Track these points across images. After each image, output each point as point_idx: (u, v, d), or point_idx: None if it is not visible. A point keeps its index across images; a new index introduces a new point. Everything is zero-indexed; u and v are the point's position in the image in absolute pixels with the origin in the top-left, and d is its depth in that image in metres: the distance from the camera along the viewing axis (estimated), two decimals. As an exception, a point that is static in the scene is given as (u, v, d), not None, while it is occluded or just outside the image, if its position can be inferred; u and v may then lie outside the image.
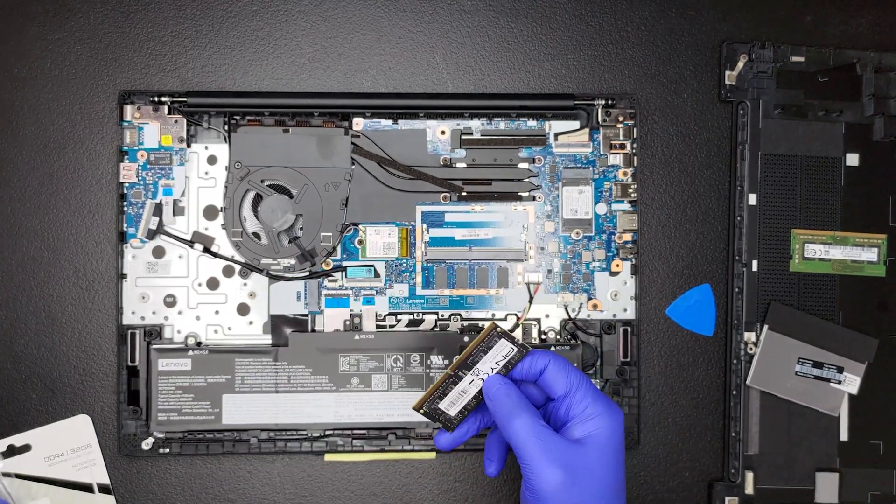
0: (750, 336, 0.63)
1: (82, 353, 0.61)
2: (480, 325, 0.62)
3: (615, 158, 0.63)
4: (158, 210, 0.60)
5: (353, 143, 0.61)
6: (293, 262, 0.61)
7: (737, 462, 0.62)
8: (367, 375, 0.61)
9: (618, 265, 0.62)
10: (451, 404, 0.53)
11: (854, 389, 0.63)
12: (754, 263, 0.63)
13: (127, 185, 0.60)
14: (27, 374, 0.61)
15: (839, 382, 0.63)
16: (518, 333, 0.62)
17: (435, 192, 0.62)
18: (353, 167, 0.61)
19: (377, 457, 0.62)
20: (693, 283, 0.64)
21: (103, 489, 0.61)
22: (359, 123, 0.61)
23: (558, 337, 0.62)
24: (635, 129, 0.63)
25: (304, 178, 0.60)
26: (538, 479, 0.48)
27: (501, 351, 0.52)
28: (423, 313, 0.62)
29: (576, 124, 0.63)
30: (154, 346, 0.60)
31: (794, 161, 0.63)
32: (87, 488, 0.60)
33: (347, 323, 0.61)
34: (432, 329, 0.62)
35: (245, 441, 0.60)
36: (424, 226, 0.62)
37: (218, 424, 0.60)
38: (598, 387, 0.62)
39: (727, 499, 0.62)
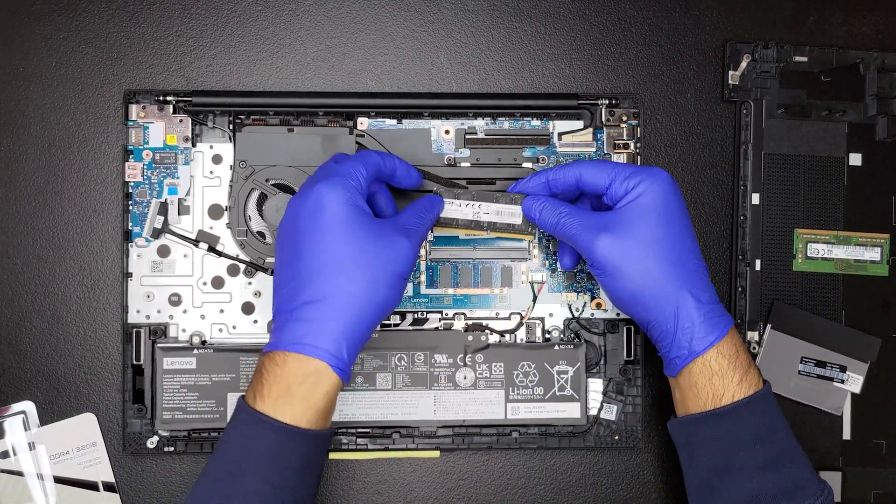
0: (753, 335, 0.63)
1: (87, 351, 0.61)
2: (484, 325, 0.62)
3: (619, 158, 0.62)
4: (163, 209, 0.60)
5: (357, 143, 0.61)
6: (298, 261, 0.60)
7: (740, 461, 0.62)
8: (372, 374, 0.61)
9: (621, 264, 0.62)
10: (513, 215, 0.57)
11: (857, 388, 0.63)
12: (757, 263, 0.63)
13: (132, 184, 0.60)
14: (32, 372, 0.61)
15: (842, 381, 0.63)
16: (522, 332, 0.62)
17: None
18: (358, 166, 0.61)
19: (381, 455, 0.62)
20: (696, 283, 0.63)
21: (108, 487, 0.61)
22: (363, 123, 0.61)
23: (562, 336, 0.62)
24: (639, 129, 0.62)
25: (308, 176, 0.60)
26: (591, 252, 0.52)
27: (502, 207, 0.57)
28: (428, 312, 0.62)
29: (579, 124, 0.62)
30: (159, 345, 0.60)
31: (797, 161, 0.63)
32: (92, 486, 0.60)
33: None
34: (436, 328, 0.62)
35: (250, 439, 0.60)
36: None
37: (222, 423, 0.60)
38: (602, 384, 0.62)
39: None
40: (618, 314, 0.63)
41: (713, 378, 0.51)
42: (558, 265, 0.61)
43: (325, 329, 0.49)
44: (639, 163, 0.63)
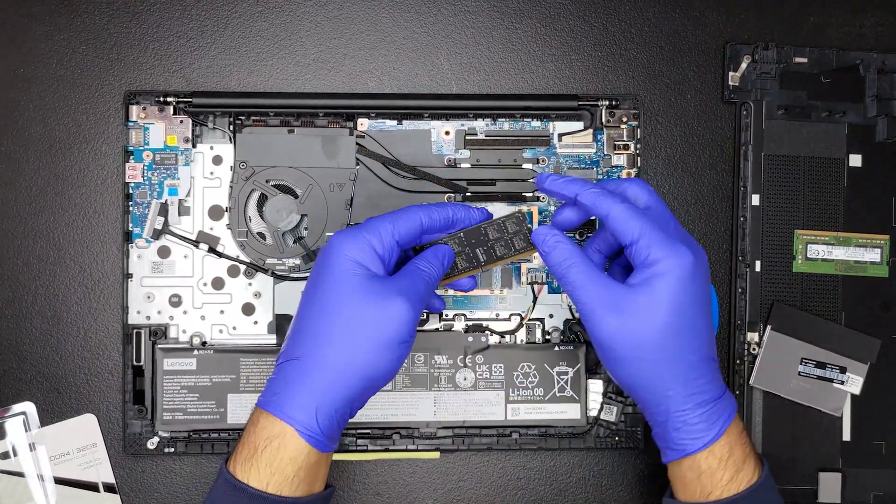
0: (753, 336, 0.62)
1: (88, 352, 0.61)
2: (484, 326, 0.62)
3: (619, 159, 0.62)
4: (164, 210, 0.60)
5: (357, 144, 0.61)
6: (298, 261, 0.61)
7: (740, 462, 0.62)
8: None
9: (622, 265, 0.62)
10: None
11: (857, 390, 0.62)
12: (757, 264, 0.62)
13: (132, 185, 0.60)
14: (33, 373, 0.61)
15: (842, 383, 0.62)
16: (521, 334, 0.62)
17: (439, 192, 0.61)
18: (358, 167, 0.61)
19: (381, 456, 0.61)
20: (696, 284, 0.63)
21: (108, 488, 0.60)
22: (363, 124, 0.61)
23: (562, 337, 0.62)
24: (639, 130, 0.62)
25: (308, 178, 0.60)
26: (596, 330, 0.49)
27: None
28: (428, 313, 0.62)
29: (580, 125, 0.62)
30: (159, 346, 0.60)
31: (797, 162, 0.63)
32: (92, 487, 0.60)
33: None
34: (437, 329, 0.62)
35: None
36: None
37: (223, 424, 0.60)
38: (602, 385, 0.61)
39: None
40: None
41: (702, 476, 0.50)
42: None
43: (296, 391, 0.47)
44: (639, 164, 0.62)
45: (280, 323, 0.61)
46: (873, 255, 0.63)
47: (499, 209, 0.61)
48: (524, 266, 0.62)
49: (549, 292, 0.62)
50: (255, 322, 0.61)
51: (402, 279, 0.49)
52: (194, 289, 0.61)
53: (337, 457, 0.61)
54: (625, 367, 0.49)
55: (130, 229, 0.60)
